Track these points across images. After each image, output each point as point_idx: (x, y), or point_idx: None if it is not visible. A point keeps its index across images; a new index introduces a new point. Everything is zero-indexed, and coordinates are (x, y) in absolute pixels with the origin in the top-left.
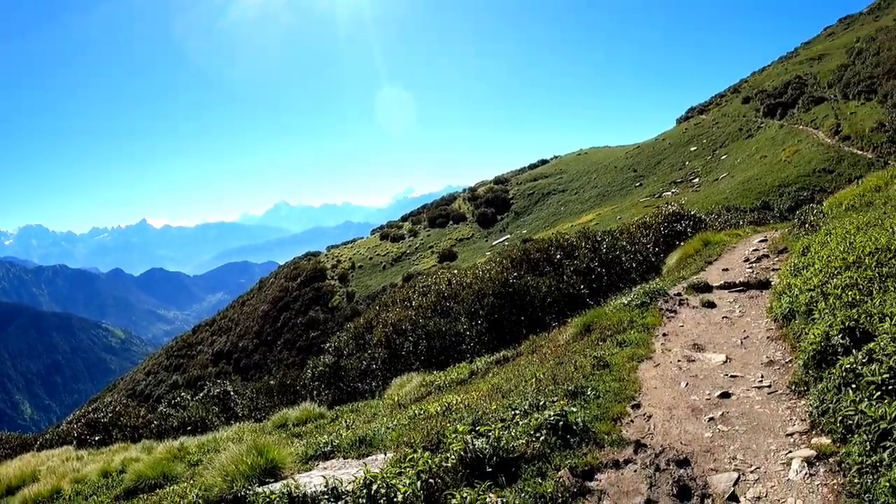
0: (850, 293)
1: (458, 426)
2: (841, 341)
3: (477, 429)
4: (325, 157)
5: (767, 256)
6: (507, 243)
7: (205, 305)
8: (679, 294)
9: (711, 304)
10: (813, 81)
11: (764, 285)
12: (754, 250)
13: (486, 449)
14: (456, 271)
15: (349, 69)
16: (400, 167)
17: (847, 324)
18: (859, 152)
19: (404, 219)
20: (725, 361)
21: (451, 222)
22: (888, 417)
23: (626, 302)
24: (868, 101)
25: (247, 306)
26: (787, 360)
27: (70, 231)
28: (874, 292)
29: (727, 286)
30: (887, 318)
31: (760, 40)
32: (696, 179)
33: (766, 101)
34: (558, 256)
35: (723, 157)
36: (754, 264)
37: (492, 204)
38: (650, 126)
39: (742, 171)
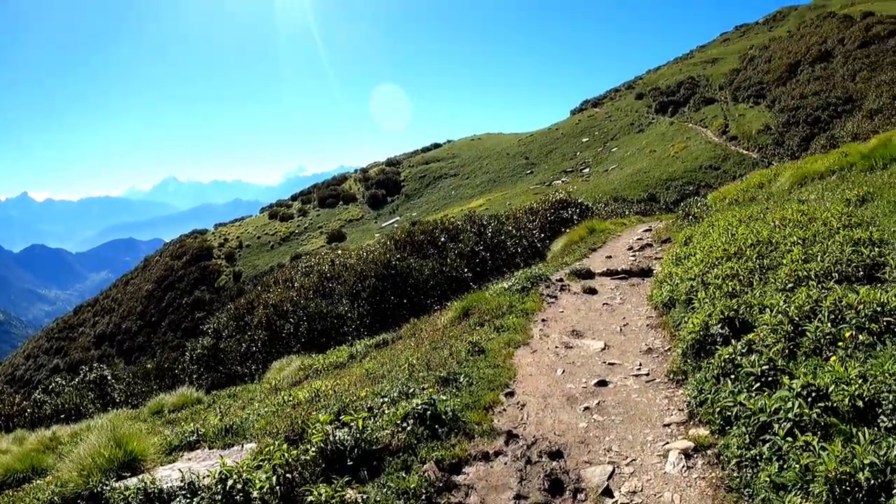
0: (730, 283)
1: (321, 415)
2: (720, 331)
3: (341, 418)
4: (216, 131)
5: (651, 245)
6: (396, 225)
7: (88, 284)
8: (561, 280)
9: (593, 291)
10: (705, 83)
11: (646, 273)
12: (638, 239)
13: (347, 440)
14: (340, 252)
15: (242, 35)
16: (293, 145)
17: (727, 314)
18: (745, 152)
19: (294, 198)
20: (604, 348)
21: (341, 203)
22: (767, 410)
23: (507, 286)
24: (756, 105)
25: (131, 286)
26: (665, 348)
27: None
28: (754, 283)
29: (609, 273)
30: (767, 310)
31: (658, 41)
32: (587, 170)
33: (658, 99)
34: (443, 239)
35: (613, 150)
36: (637, 253)
37: (383, 185)
38: (545, 117)
39: (631, 164)
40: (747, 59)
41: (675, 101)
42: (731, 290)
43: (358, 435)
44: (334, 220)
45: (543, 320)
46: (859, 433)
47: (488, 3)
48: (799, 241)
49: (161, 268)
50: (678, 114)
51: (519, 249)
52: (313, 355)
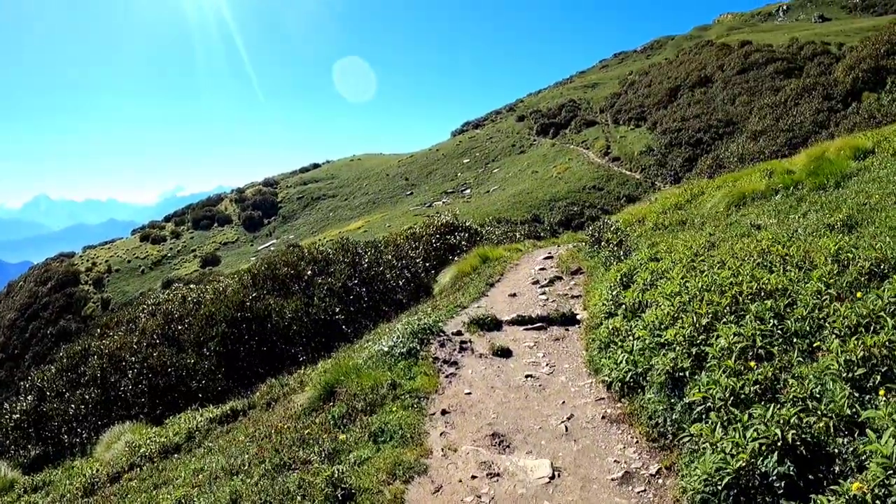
0: (763, 371)
1: None
2: (778, 472)
3: None
4: (91, 145)
5: (560, 278)
6: (273, 248)
7: None
8: (460, 333)
9: (506, 353)
10: (586, 106)
11: (569, 320)
12: (541, 269)
13: None
14: (193, 287)
15: (120, 36)
16: (171, 163)
17: (788, 437)
18: (628, 173)
19: (168, 219)
20: (552, 478)
21: (216, 224)
22: None
23: (387, 348)
24: (638, 127)
25: None
26: (652, 470)
27: None
28: (792, 365)
29: (522, 321)
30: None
31: (538, 68)
32: (468, 191)
33: (540, 121)
34: (309, 273)
35: (495, 171)
36: (547, 288)
37: (259, 207)
38: (426, 140)
39: (514, 185)
40: (627, 84)
41: (556, 124)
42: (763, 378)
43: None
44: (209, 243)
45: (444, 412)
46: None
47: (364, 22)
48: (825, 291)
49: (25, 294)
50: (560, 136)
51: (401, 282)
52: (148, 428)
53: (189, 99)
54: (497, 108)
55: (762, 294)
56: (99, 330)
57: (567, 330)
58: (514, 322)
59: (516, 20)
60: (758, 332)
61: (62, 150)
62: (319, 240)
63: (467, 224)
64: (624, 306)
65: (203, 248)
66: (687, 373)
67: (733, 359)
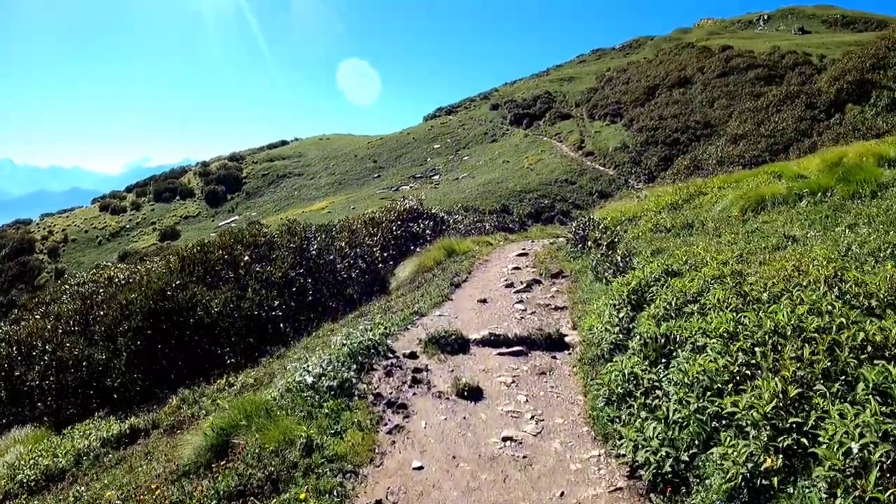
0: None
1: None
2: None
3: None
4: (56, 108)
5: (539, 282)
6: (234, 224)
7: None
8: (414, 355)
9: (475, 393)
10: (562, 99)
11: (555, 343)
12: (514, 268)
13: None
14: (123, 266)
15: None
16: (138, 133)
17: None
18: (601, 168)
19: (129, 189)
20: None
21: (178, 198)
22: None
23: (311, 380)
24: (613, 123)
25: None
26: None
27: None
28: None
29: (495, 341)
30: None
31: (514, 60)
32: (437, 177)
33: (514, 110)
34: (246, 259)
35: (465, 158)
36: (524, 294)
37: (223, 181)
38: (398, 124)
39: (484, 174)
40: (605, 80)
41: (530, 114)
42: None
43: None
44: (169, 216)
45: None
46: None
47: (343, 2)
48: None
49: None
50: (533, 127)
51: (353, 274)
52: (50, 434)
53: (163, 68)
54: (471, 95)
55: (868, 350)
56: (16, 311)
57: (554, 358)
58: (485, 342)
59: (494, 9)
60: (888, 423)
61: (29, 114)
62: (281, 218)
63: (432, 211)
64: (640, 338)
65: (163, 222)
66: (775, 480)
67: (869, 476)
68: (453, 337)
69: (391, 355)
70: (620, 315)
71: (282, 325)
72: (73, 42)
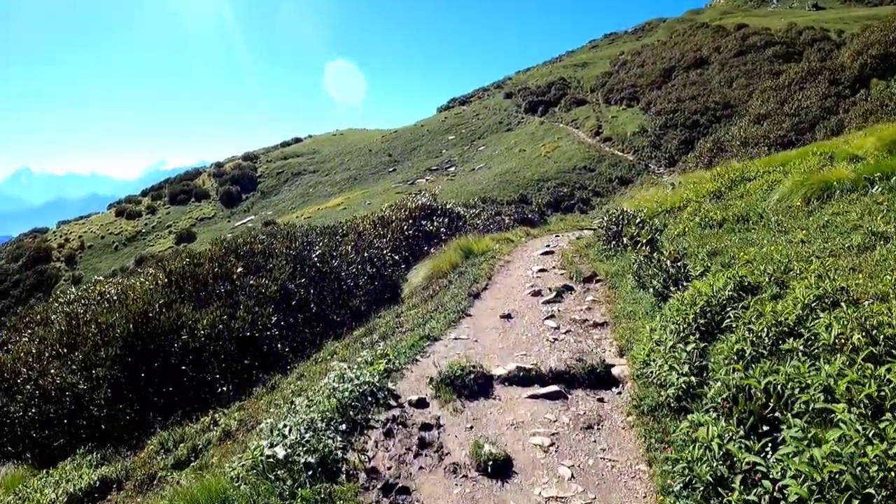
0: None
1: None
2: None
3: None
4: (73, 115)
5: (571, 289)
6: (250, 224)
7: None
8: (423, 403)
9: (502, 469)
10: (576, 84)
11: (601, 379)
12: (540, 270)
13: None
14: (115, 280)
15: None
16: (155, 137)
17: None
18: (620, 154)
19: (145, 193)
20: None
21: (193, 200)
22: None
23: (283, 453)
24: (630, 108)
25: None
26: None
27: None
28: None
29: (524, 378)
30: None
31: (527, 47)
32: (453, 168)
33: (528, 98)
34: (239, 271)
35: (481, 148)
36: (554, 306)
37: (238, 182)
38: (412, 117)
39: (500, 163)
40: (619, 64)
41: (545, 101)
42: None
43: None
44: (185, 219)
45: None
46: None
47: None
48: None
49: None
50: (549, 114)
51: (360, 281)
52: (30, 476)
53: (176, 71)
54: (485, 84)
55: None
56: (5, 332)
57: (601, 401)
58: (512, 380)
59: None
60: None
61: (46, 123)
62: (298, 217)
63: (447, 207)
64: (723, 387)
65: (179, 224)
66: None
67: None
68: (472, 375)
69: (394, 404)
70: (688, 348)
71: (279, 346)
72: (77, 43)
